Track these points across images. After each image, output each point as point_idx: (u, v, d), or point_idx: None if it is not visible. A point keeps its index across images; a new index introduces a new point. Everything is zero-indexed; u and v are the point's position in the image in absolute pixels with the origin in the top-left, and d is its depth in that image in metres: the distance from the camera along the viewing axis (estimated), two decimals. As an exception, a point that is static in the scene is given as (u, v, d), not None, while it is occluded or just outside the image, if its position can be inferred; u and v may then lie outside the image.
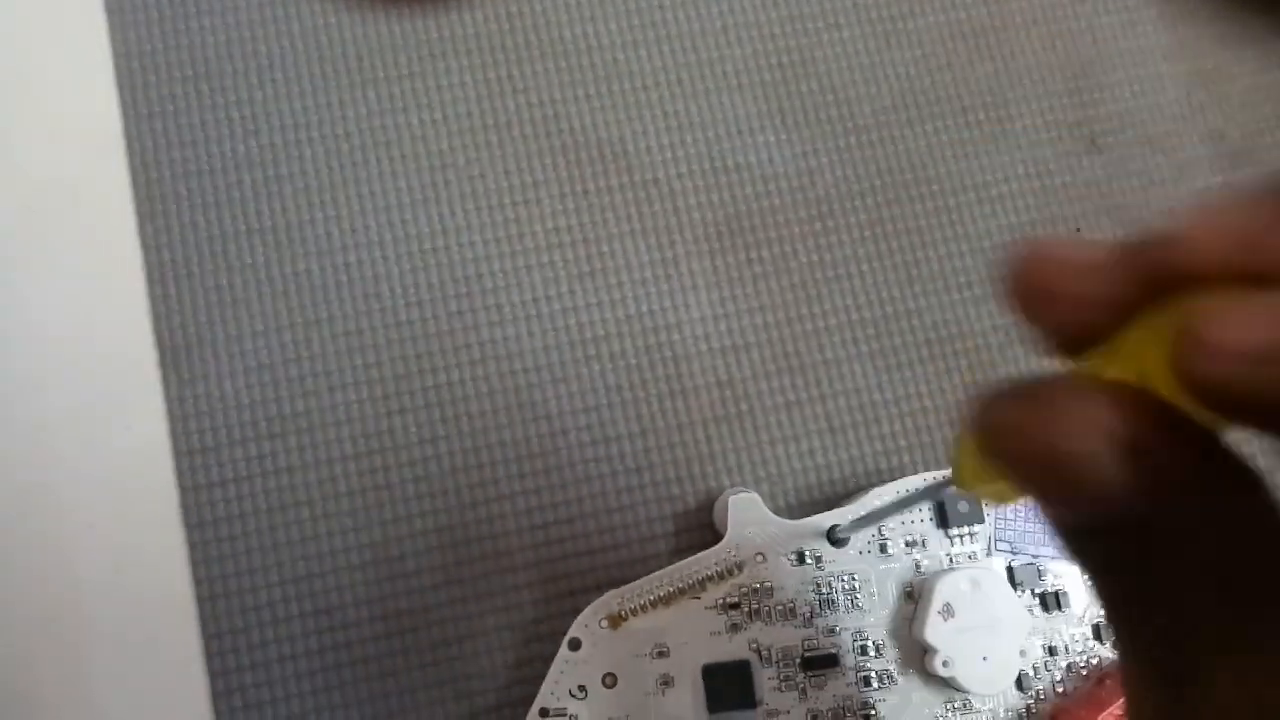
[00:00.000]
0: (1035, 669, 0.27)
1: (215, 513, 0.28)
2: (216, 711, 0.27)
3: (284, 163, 0.31)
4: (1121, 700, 0.26)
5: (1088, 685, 0.27)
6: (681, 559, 0.27)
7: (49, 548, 0.28)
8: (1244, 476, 0.14)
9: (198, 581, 0.28)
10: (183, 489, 0.28)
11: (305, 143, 0.31)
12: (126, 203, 0.30)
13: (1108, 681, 0.27)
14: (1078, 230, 0.33)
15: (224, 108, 0.31)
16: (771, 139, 0.33)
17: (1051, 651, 0.28)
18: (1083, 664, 0.28)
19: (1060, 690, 0.27)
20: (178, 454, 0.29)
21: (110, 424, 0.28)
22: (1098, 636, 0.28)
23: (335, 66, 0.31)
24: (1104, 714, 0.26)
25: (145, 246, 0.30)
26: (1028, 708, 0.27)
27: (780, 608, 0.27)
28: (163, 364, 0.29)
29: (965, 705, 0.27)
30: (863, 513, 0.27)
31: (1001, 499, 0.17)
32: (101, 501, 0.28)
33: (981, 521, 0.28)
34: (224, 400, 0.29)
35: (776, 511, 0.28)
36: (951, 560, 0.28)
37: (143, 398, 0.29)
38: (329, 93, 0.31)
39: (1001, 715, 0.27)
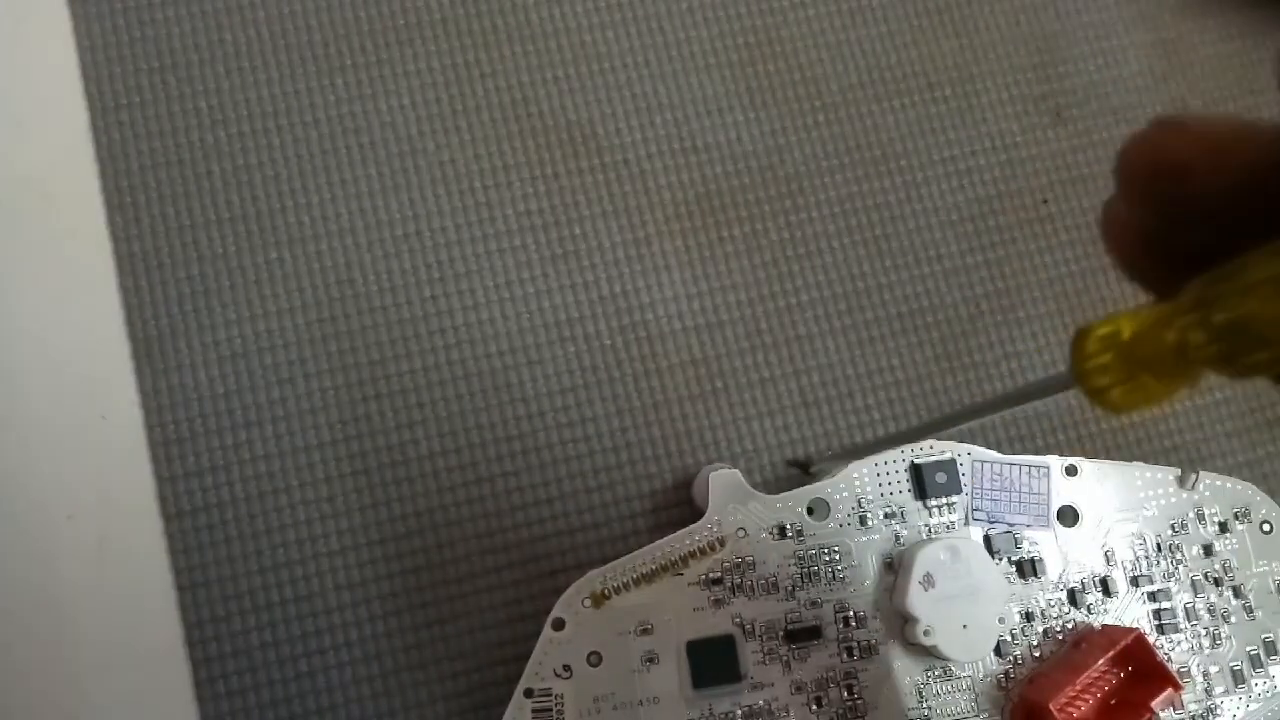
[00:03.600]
0: (1013, 635, 0.28)
1: (193, 502, 0.28)
2: (200, 699, 0.27)
3: (253, 152, 0.30)
4: (1098, 664, 0.26)
5: (1064, 650, 0.28)
6: (662, 536, 0.27)
7: (27, 540, 0.28)
8: None
9: (177, 571, 0.28)
10: (160, 479, 0.28)
11: (274, 131, 0.31)
12: (95, 195, 0.30)
13: (1083, 645, 0.28)
14: (1044, 202, 0.33)
15: (191, 98, 0.31)
16: (740, 118, 0.33)
17: (1028, 618, 0.28)
18: (1058, 629, 0.28)
19: (1037, 655, 0.28)
20: (154, 444, 0.28)
21: (86, 416, 0.28)
22: (1073, 602, 0.28)
23: (302, 54, 0.31)
24: (1080, 678, 0.26)
25: (115, 238, 0.29)
26: (1006, 673, 0.28)
27: (762, 582, 0.27)
28: (136, 355, 0.29)
29: (946, 672, 0.27)
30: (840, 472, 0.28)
31: (1134, 401, 0.16)
32: (79, 493, 0.28)
33: (959, 492, 0.28)
34: (199, 390, 0.29)
35: (754, 487, 0.28)
36: (930, 531, 0.28)
37: (117, 389, 0.29)
38: (296, 81, 0.31)
39: (981, 681, 0.28)
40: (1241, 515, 0.29)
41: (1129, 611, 0.28)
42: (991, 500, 0.28)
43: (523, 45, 0.32)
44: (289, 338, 0.30)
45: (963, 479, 0.28)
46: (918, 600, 0.27)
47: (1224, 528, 0.29)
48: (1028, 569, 0.28)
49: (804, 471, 0.28)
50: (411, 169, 0.31)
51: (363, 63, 0.31)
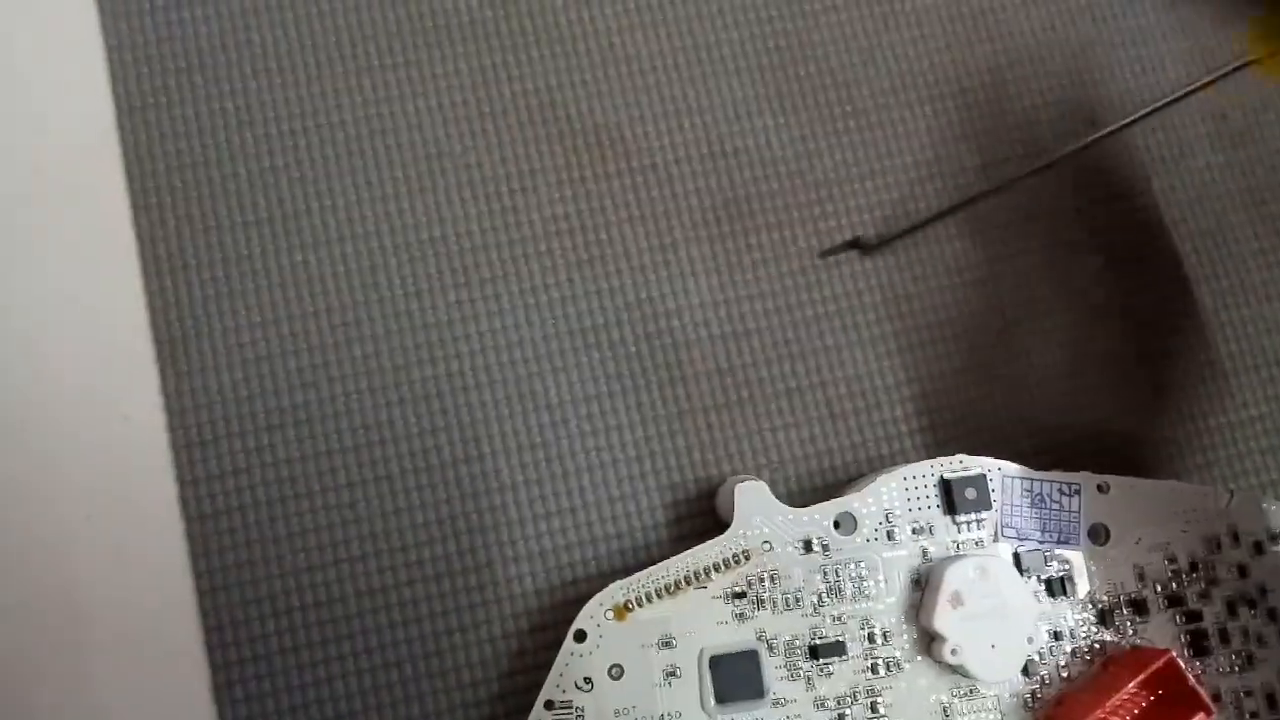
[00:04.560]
0: (1041, 655, 0.27)
1: (214, 505, 0.28)
2: (218, 704, 0.27)
3: (279, 153, 0.30)
4: (1128, 686, 0.26)
5: (1093, 670, 0.27)
6: (684, 548, 0.27)
7: (47, 541, 0.27)
8: None
9: (197, 574, 0.28)
10: (181, 482, 0.28)
11: (300, 133, 0.30)
12: (121, 196, 0.30)
13: (1112, 666, 0.27)
14: (1078, 211, 0.33)
15: (218, 99, 0.30)
16: (770, 122, 0.32)
17: (1057, 637, 0.28)
18: (1088, 649, 0.28)
19: (1065, 676, 0.27)
20: (176, 447, 0.28)
21: (108, 417, 0.28)
22: (1103, 621, 0.28)
23: (329, 55, 0.31)
24: (1109, 700, 0.26)
25: (140, 239, 0.29)
26: (1033, 693, 0.27)
27: (787, 596, 0.27)
28: (160, 357, 0.29)
29: (972, 691, 0.27)
30: (867, 486, 0.27)
31: None
32: (100, 494, 0.28)
33: (989, 508, 0.28)
34: (222, 393, 0.29)
35: (779, 499, 0.27)
36: (958, 547, 0.28)
37: (140, 391, 0.28)
38: (323, 82, 0.31)
39: (1006, 700, 0.27)
40: (1277, 536, 0.29)
41: (1160, 632, 0.28)
42: (1022, 517, 0.28)
43: (550, 48, 0.32)
44: (313, 341, 0.29)
45: (993, 495, 0.28)
46: (945, 618, 0.26)
47: (1259, 548, 0.29)
48: (1057, 587, 0.28)
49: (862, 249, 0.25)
50: (438, 172, 0.31)
51: (390, 64, 0.31)
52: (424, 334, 0.30)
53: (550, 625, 0.28)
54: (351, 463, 0.29)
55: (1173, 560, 0.28)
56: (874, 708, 0.27)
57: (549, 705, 0.26)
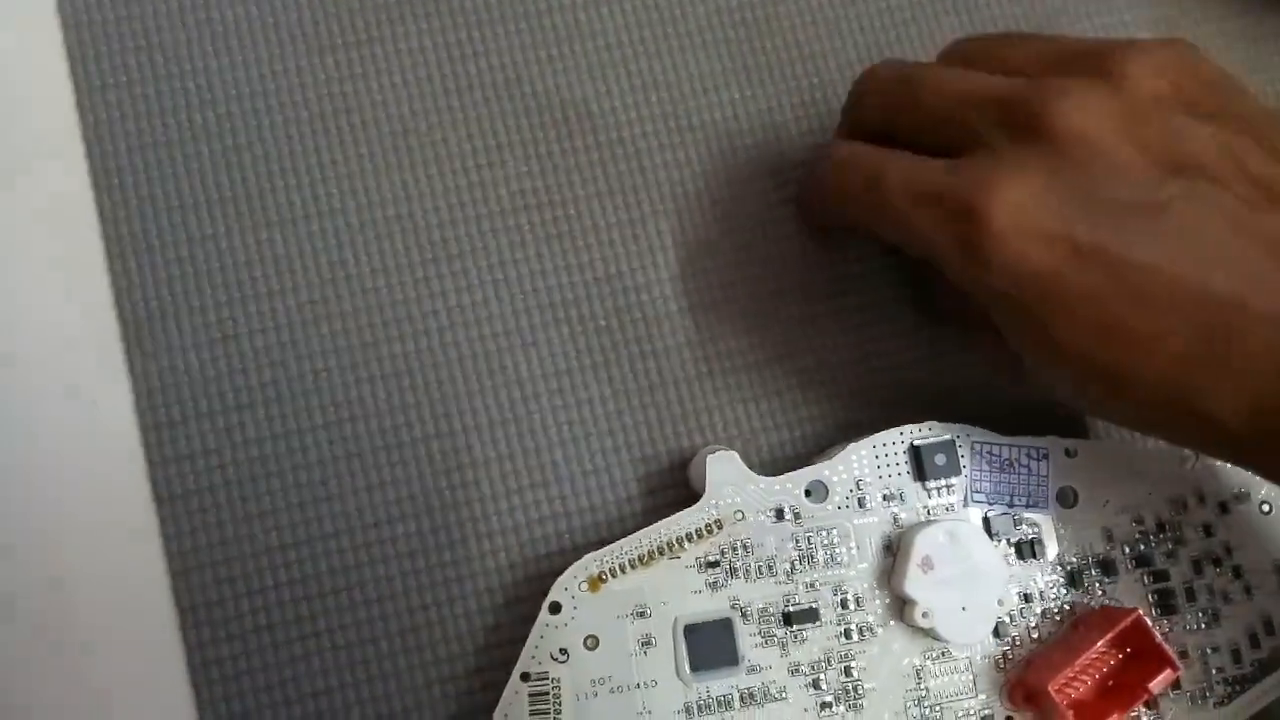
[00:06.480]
0: (1012, 617, 0.28)
1: (185, 486, 0.28)
2: (194, 684, 0.27)
3: (242, 132, 0.30)
4: (1096, 645, 0.26)
5: (1062, 631, 0.28)
6: (657, 519, 0.27)
7: (17, 526, 0.27)
8: None
9: (170, 556, 0.28)
10: (151, 463, 0.28)
11: (263, 111, 0.30)
12: (82, 176, 0.29)
13: (1081, 626, 0.28)
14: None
15: (179, 77, 0.30)
16: (736, 96, 0.32)
17: (1027, 599, 0.28)
18: (1057, 610, 0.28)
19: (1036, 636, 0.28)
20: (144, 428, 0.28)
21: (76, 401, 0.28)
22: (1071, 583, 0.28)
23: (292, 32, 0.31)
24: (1079, 659, 0.26)
25: (103, 220, 0.29)
26: (1004, 654, 0.28)
27: (760, 564, 0.27)
28: (126, 338, 0.29)
29: (944, 654, 0.27)
30: (838, 454, 0.27)
31: None
32: (70, 478, 0.28)
33: (958, 474, 0.28)
34: (189, 373, 0.29)
35: (751, 469, 0.28)
36: (929, 513, 0.28)
37: (107, 373, 0.28)
38: (286, 60, 0.31)
39: (978, 662, 0.27)
40: (1241, 496, 0.29)
41: (1128, 592, 0.28)
42: (991, 482, 0.28)
43: (515, 23, 0.32)
44: (280, 320, 0.29)
45: (962, 461, 0.28)
46: (916, 583, 0.26)
47: (1224, 508, 0.29)
48: (1027, 550, 0.28)
49: None
50: (403, 149, 0.31)
51: (353, 41, 0.31)
52: (392, 311, 0.30)
53: (525, 598, 0.28)
54: (322, 441, 0.29)
55: (1140, 521, 0.29)
56: (848, 672, 0.27)
57: (525, 677, 0.26)
